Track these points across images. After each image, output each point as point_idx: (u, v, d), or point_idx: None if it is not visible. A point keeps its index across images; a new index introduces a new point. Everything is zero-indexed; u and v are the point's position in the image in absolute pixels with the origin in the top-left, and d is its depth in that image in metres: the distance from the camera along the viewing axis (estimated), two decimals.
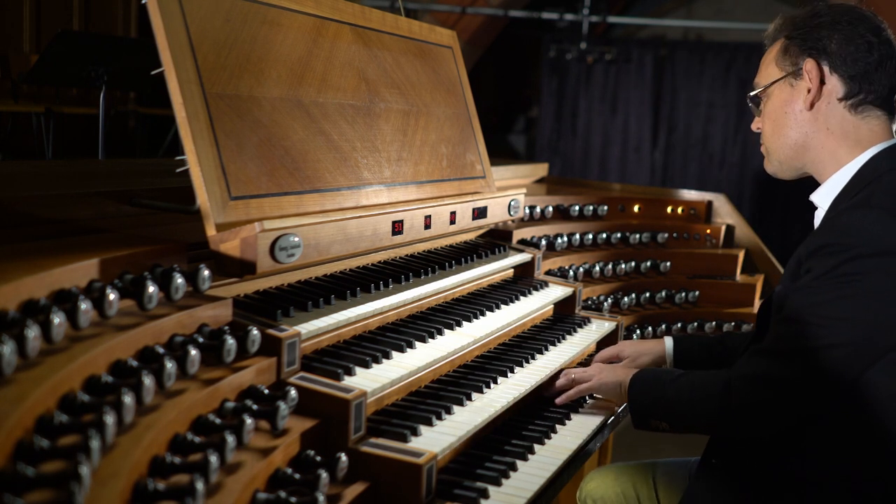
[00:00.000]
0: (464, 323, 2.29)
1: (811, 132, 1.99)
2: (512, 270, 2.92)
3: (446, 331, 2.20)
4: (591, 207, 3.66)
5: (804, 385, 1.81)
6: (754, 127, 2.15)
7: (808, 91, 1.97)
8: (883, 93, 1.95)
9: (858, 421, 1.83)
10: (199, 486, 1.24)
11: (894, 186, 1.86)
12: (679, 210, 3.97)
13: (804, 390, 1.81)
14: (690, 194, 4.10)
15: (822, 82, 1.96)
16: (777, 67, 2.04)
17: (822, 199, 2.00)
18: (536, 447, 1.97)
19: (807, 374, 1.80)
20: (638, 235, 3.70)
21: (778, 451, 1.91)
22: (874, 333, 1.76)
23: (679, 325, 3.42)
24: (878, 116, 1.97)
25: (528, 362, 2.32)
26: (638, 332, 3.22)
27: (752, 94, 2.10)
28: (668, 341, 2.48)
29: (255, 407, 1.56)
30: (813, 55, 1.97)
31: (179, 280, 1.60)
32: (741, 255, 3.81)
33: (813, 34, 1.98)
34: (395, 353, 1.98)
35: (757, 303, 3.68)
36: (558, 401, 2.25)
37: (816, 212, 2.04)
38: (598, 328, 2.81)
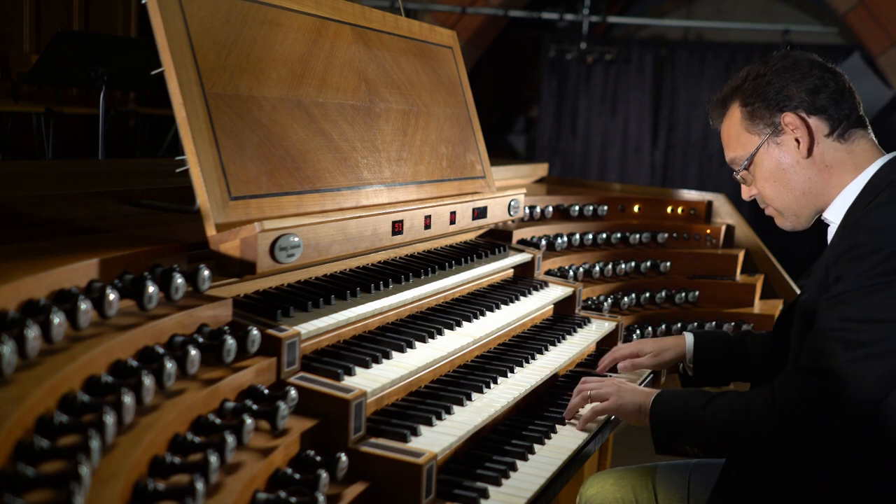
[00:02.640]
0: (464, 323, 2.29)
1: (814, 176, 2.03)
2: (512, 270, 2.91)
3: (446, 331, 2.20)
4: (591, 207, 3.66)
5: (857, 400, 1.74)
6: (747, 196, 2.17)
7: (797, 141, 2.02)
8: (855, 113, 2.03)
9: (887, 438, 1.78)
10: (199, 486, 1.24)
11: None
12: (679, 210, 3.97)
13: (857, 405, 1.74)
14: (690, 194, 4.10)
15: (807, 127, 2.01)
16: (751, 134, 2.08)
17: (835, 214, 2.02)
18: (536, 447, 1.97)
19: (858, 387, 1.72)
20: (638, 235, 3.70)
21: (797, 484, 1.87)
22: None
23: (679, 325, 3.42)
24: (863, 136, 2.03)
25: (528, 362, 2.32)
26: (638, 332, 3.22)
27: (739, 169, 2.12)
28: (689, 337, 2.46)
29: (255, 407, 1.56)
30: (784, 108, 2.02)
31: (179, 280, 1.59)
32: (741, 255, 3.81)
33: (770, 90, 2.04)
34: (395, 353, 1.98)
35: (757, 303, 3.68)
36: (578, 427, 2.11)
37: (829, 228, 2.05)
38: (598, 328, 2.80)
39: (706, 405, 1.93)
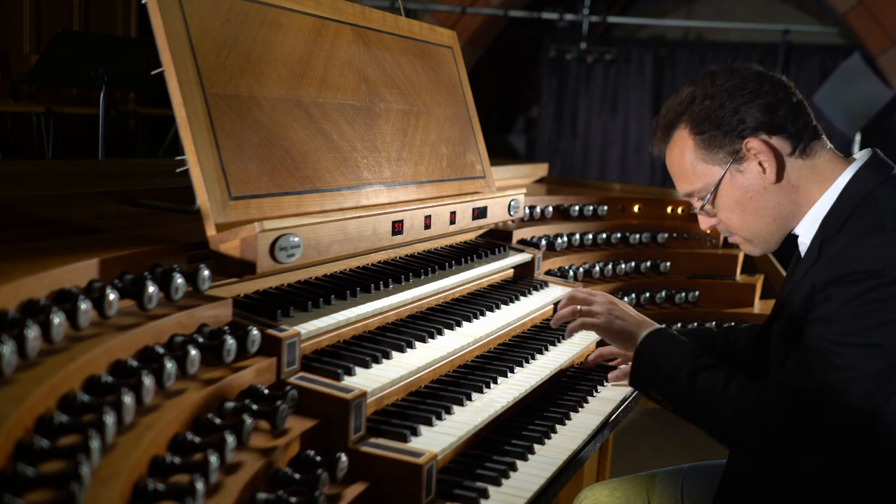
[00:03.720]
0: (464, 323, 2.29)
1: (782, 198, 1.93)
2: (512, 270, 2.92)
3: (446, 331, 2.20)
4: (591, 207, 3.66)
5: (834, 421, 1.73)
6: (706, 227, 2.06)
7: (762, 166, 1.90)
8: (811, 124, 1.93)
9: (884, 451, 1.77)
10: (199, 486, 1.24)
11: None
12: (679, 210, 3.97)
13: (835, 426, 1.74)
14: None
15: (772, 150, 1.89)
16: (709, 164, 1.95)
17: (805, 229, 1.94)
18: (536, 447, 1.97)
19: (837, 404, 1.71)
20: (638, 235, 3.70)
21: (799, 484, 1.87)
22: None
23: (679, 324, 3.42)
24: (822, 146, 1.94)
25: (528, 362, 2.32)
26: None
27: (702, 203, 1.99)
28: None
29: (255, 407, 1.56)
30: (744, 133, 1.90)
31: (179, 280, 1.59)
32: (741, 255, 3.81)
33: (723, 114, 1.91)
34: (395, 353, 1.98)
35: (757, 303, 3.68)
36: (566, 336, 2.11)
37: (800, 239, 1.97)
38: None
39: (693, 374, 1.90)
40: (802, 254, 1.96)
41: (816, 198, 1.91)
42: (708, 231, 2.11)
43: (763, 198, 1.93)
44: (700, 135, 1.94)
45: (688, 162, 1.98)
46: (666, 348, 2.02)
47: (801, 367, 1.76)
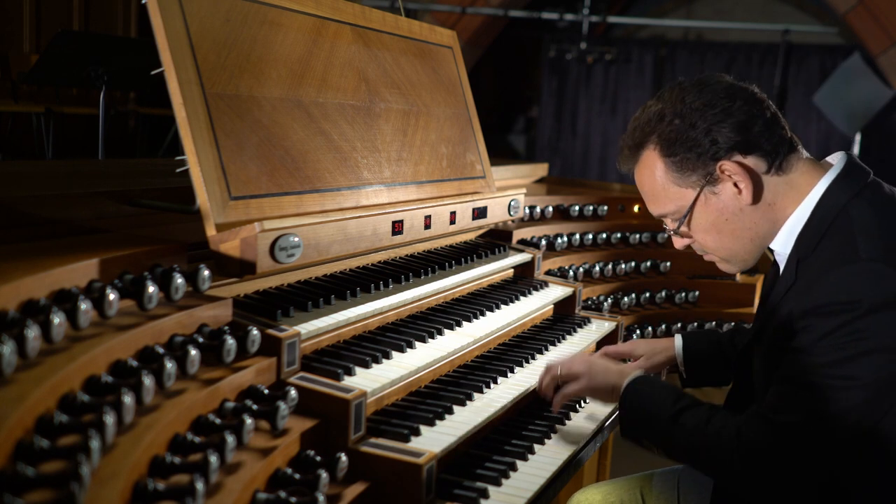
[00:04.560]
0: (464, 323, 2.29)
1: (759, 218, 1.87)
2: (512, 270, 2.92)
3: (446, 331, 2.20)
4: (591, 207, 3.66)
5: (819, 450, 1.71)
6: (680, 246, 2.01)
7: (737, 186, 1.83)
8: (786, 137, 1.86)
9: (872, 474, 1.77)
10: (199, 486, 1.24)
11: (871, 224, 1.75)
12: None
13: (819, 455, 1.72)
14: None
15: (747, 171, 1.83)
16: (681, 187, 1.88)
17: (780, 244, 1.89)
18: (536, 447, 1.97)
19: (820, 437, 1.69)
20: (638, 235, 3.70)
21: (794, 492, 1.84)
22: (887, 388, 1.68)
23: (679, 325, 3.42)
24: (798, 159, 1.87)
25: (528, 362, 2.32)
26: (638, 332, 3.22)
27: (676, 227, 1.94)
28: (678, 340, 2.41)
29: (255, 407, 1.56)
30: (718, 155, 1.82)
31: (179, 280, 1.59)
32: None
33: (695, 135, 1.83)
34: (395, 353, 1.98)
35: (757, 303, 3.67)
36: (554, 409, 2.11)
37: (776, 252, 1.94)
38: (598, 328, 2.80)
39: (676, 416, 1.86)
40: (781, 268, 1.92)
41: (791, 212, 1.86)
42: (682, 248, 2.06)
43: (739, 219, 1.88)
44: (671, 157, 1.87)
45: (659, 184, 1.91)
46: (648, 392, 1.96)
47: (781, 399, 1.74)
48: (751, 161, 1.83)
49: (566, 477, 1.94)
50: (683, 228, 1.94)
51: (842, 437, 1.71)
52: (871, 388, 1.67)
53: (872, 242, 1.71)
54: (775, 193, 1.86)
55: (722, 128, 1.82)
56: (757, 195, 1.85)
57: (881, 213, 1.78)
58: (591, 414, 2.24)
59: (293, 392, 1.63)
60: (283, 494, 1.44)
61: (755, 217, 1.87)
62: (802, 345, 1.72)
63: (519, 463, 1.87)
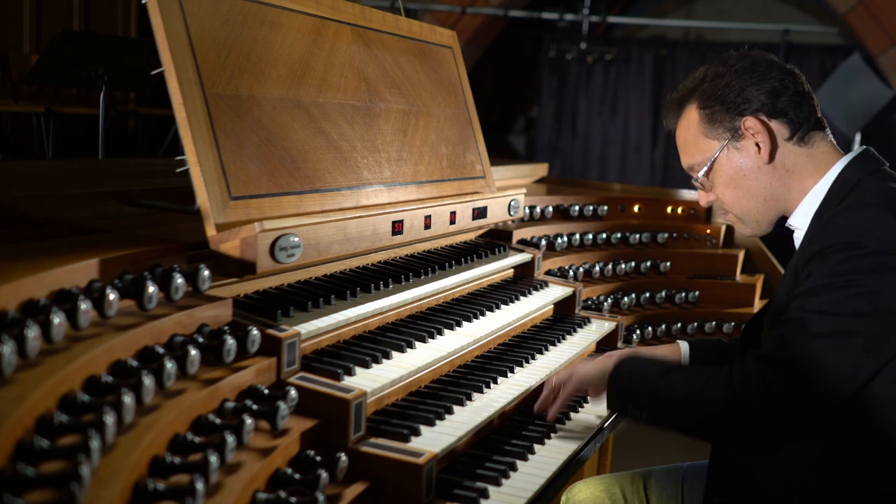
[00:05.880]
0: (464, 323, 2.29)
1: (775, 181, 1.99)
2: (512, 270, 2.92)
3: (446, 331, 2.20)
4: (591, 207, 3.66)
5: (813, 390, 1.72)
6: (705, 203, 2.14)
7: (758, 146, 1.97)
8: (814, 115, 1.99)
9: (867, 445, 1.77)
10: (199, 486, 1.24)
11: (881, 188, 1.85)
12: (679, 210, 3.97)
13: (813, 396, 1.72)
14: (690, 194, 4.10)
15: (768, 132, 1.96)
16: (709, 139, 2.03)
17: (800, 220, 1.99)
18: (536, 447, 1.97)
19: (815, 376, 1.71)
20: (638, 235, 3.70)
21: (784, 486, 1.85)
22: (882, 331, 1.70)
23: (679, 325, 3.42)
24: (822, 137, 2.00)
25: (528, 362, 2.32)
26: (638, 332, 3.22)
27: (698, 175, 2.07)
28: (684, 346, 2.39)
29: (255, 407, 1.56)
30: (745, 112, 1.98)
31: (179, 280, 1.59)
32: (741, 255, 3.81)
33: (729, 93, 1.99)
34: (395, 353, 1.98)
35: (757, 303, 3.68)
36: (549, 416, 2.12)
37: (795, 234, 2.02)
38: (598, 328, 2.80)
39: (663, 375, 1.92)
40: (797, 245, 2.00)
41: (809, 186, 1.97)
42: (706, 205, 2.15)
43: (756, 177, 2.00)
44: (706, 110, 2.03)
45: (691, 135, 2.07)
46: (636, 363, 2.03)
47: (780, 339, 1.77)
48: (774, 125, 1.97)
49: (566, 476, 1.94)
50: (704, 179, 2.08)
51: (837, 377, 1.71)
52: (869, 329, 1.69)
53: (880, 196, 1.82)
54: (795, 162, 1.98)
55: (754, 90, 1.97)
56: (773, 155, 1.97)
57: (892, 189, 1.86)
58: (590, 414, 2.24)
59: (293, 392, 1.63)
60: (283, 494, 1.44)
61: (771, 178, 1.99)
62: (804, 289, 1.77)
63: (519, 463, 1.87)
